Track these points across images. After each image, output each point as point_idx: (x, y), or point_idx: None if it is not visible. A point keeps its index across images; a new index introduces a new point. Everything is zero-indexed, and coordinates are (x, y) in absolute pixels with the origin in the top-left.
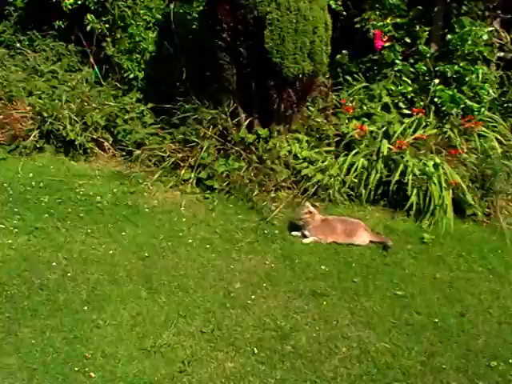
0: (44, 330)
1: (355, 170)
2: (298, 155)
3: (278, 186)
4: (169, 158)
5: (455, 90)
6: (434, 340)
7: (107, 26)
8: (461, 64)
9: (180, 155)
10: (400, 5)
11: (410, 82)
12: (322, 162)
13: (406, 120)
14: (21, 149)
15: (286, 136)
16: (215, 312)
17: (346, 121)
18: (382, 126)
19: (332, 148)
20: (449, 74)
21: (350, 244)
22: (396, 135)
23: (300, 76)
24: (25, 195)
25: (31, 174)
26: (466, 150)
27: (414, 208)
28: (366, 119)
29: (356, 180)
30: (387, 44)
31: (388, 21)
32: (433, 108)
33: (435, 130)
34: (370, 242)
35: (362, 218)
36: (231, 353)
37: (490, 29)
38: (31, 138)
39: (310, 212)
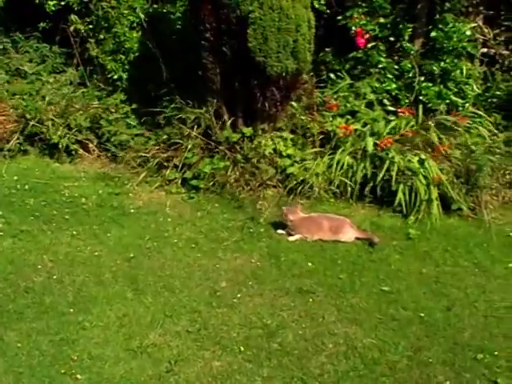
0: (30, 332)
1: (341, 167)
2: (283, 153)
3: (264, 184)
4: (153, 158)
5: (440, 86)
6: (420, 335)
7: (91, 26)
8: (447, 60)
9: (165, 155)
10: (383, 3)
11: (394, 79)
12: (308, 160)
13: (391, 117)
14: (5, 151)
15: (271, 134)
16: (201, 311)
17: (331, 118)
18: (365, 124)
19: (317, 146)
20: (436, 71)
21: (335, 241)
22: (383, 133)
23: (283, 74)
24: (10, 198)
25: (16, 177)
26: (450, 146)
27: (400, 203)
28: (350, 117)
29: (342, 177)
30: (371, 44)
31: (369, 19)
32: (419, 105)
33: (420, 127)
34: (356, 238)
35: (348, 215)
36: (218, 352)
37: (473, 25)
38: (15, 140)
39: (292, 221)
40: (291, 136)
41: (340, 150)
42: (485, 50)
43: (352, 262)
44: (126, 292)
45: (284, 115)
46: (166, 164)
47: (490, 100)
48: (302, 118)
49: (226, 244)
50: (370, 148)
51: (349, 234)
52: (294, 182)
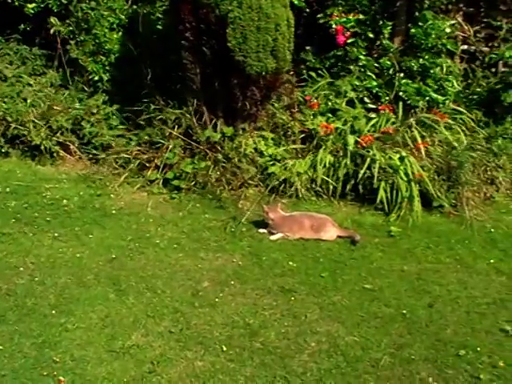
0: (12, 335)
1: (323, 166)
2: (264, 152)
3: (245, 184)
4: (135, 159)
5: (420, 83)
6: (402, 332)
7: (71, 28)
8: (425, 57)
9: (146, 156)
10: (362, 0)
11: (374, 76)
12: (289, 159)
13: (372, 114)
14: None
15: (252, 134)
16: (184, 311)
17: (312, 117)
18: (346, 122)
19: (298, 145)
20: (414, 68)
21: (317, 239)
22: (364, 130)
23: (263, 73)
24: None
25: None
26: (431, 143)
27: (381, 201)
28: (331, 115)
29: (324, 176)
30: (350, 40)
31: (350, 16)
32: (399, 102)
33: (400, 124)
34: (338, 236)
35: (330, 213)
36: (200, 352)
37: (453, 22)
38: None
39: (273, 219)
40: (272, 135)
41: (321, 149)
42: (465, 46)
43: (334, 260)
44: (109, 293)
45: (264, 114)
46: (147, 165)
47: (470, 97)
48: (283, 117)
49: (208, 244)
50: (351, 146)
51: (331, 233)
52: (276, 181)
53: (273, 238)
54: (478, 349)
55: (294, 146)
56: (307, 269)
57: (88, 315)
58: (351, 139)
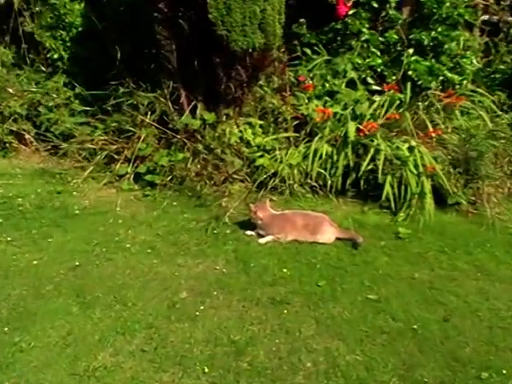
0: None
1: (319, 157)
2: (251, 142)
3: (229, 178)
4: (101, 150)
5: (433, 61)
6: (413, 350)
7: None
8: (438, 30)
9: (114, 147)
10: None
11: (379, 53)
12: (280, 149)
13: (376, 98)
14: None
15: (237, 121)
16: (159, 327)
17: (306, 101)
18: (346, 106)
19: (290, 133)
20: (425, 42)
21: (313, 242)
22: (366, 116)
23: (250, 50)
24: None
25: None
26: (446, 130)
27: (387, 198)
28: (328, 98)
29: (320, 169)
30: (352, 11)
31: None
32: (407, 83)
33: (408, 108)
34: (337, 238)
35: (328, 211)
36: (178, 373)
37: None
38: None
39: (261, 219)
40: (260, 122)
41: (317, 138)
42: (486, 17)
43: (332, 266)
44: (71, 306)
45: (251, 98)
46: (115, 157)
47: (492, 76)
48: (273, 101)
49: (187, 248)
50: (352, 134)
51: (328, 234)
52: (265, 176)
53: (261, 241)
54: (504, 371)
55: (286, 135)
56: (301, 276)
57: (47, 332)
58: (352, 126)
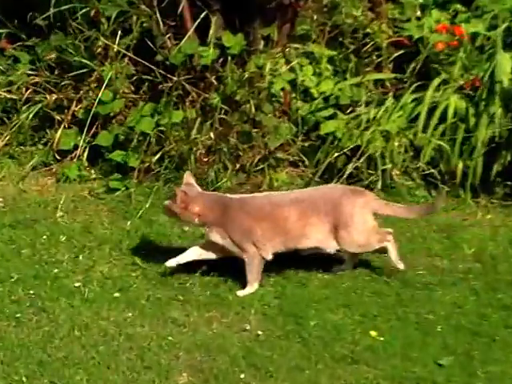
0: None
1: (441, 121)
2: (313, 91)
3: (271, 158)
4: (28, 103)
5: None
6: None
7: None
8: None
9: (53, 97)
10: None
11: None
12: (367, 104)
13: None
14: None
15: (286, 50)
16: None
17: (418, 13)
18: (495, 23)
19: (387, 73)
20: None
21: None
22: None
23: None
24: None
25: None
26: None
27: None
28: (460, 6)
29: (443, 143)
30: None
31: None
32: None
33: None
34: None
35: (457, 224)
36: None
37: None
38: None
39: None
40: (331, 53)
41: (437, 82)
42: None
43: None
44: None
45: (313, 7)
46: (54, 116)
47: None
48: (354, 12)
49: (188, 291)
50: (507, 75)
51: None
52: (337, 154)
53: (240, 293)
54: None
55: (379, 76)
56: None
57: None
58: (507, 61)
